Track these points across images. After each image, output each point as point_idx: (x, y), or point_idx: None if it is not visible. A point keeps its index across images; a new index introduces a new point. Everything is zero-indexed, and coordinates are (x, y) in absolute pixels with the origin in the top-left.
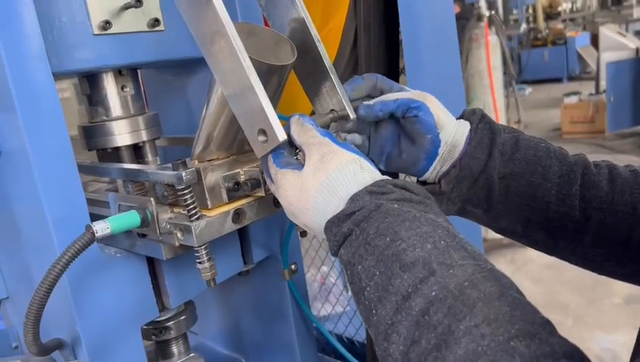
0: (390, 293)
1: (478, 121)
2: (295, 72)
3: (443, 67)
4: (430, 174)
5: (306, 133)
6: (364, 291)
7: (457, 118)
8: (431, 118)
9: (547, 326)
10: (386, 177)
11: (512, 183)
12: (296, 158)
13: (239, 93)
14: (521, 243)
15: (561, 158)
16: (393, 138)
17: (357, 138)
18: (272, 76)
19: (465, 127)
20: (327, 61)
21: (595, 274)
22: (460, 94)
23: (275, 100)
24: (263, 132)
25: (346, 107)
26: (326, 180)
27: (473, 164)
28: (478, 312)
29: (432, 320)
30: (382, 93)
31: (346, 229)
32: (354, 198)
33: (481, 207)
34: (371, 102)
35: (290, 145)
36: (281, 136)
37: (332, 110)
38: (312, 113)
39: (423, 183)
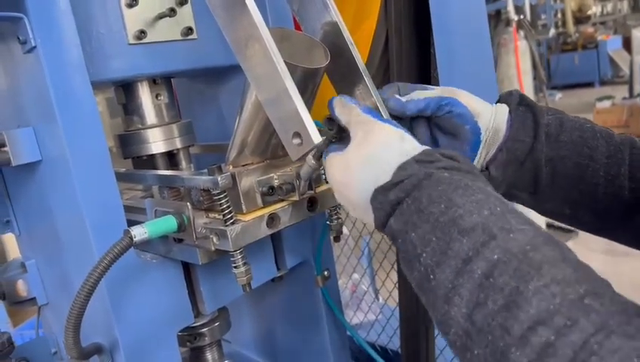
0: (449, 257)
1: (517, 102)
2: (328, 76)
3: (476, 70)
4: (477, 162)
5: (350, 111)
6: (420, 258)
7: (496, 102)
8: (464, 109)
9: (610, 286)
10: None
11: (558, 166)
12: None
13: (274, 96)
14: (566, 224)
15: (607, 138)
16: (429, 141)
17: None
18: (305, 80)
19: (503, 110)
20: (361, 64)
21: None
22: (494, 97)
23: (309, 104)
24: (297, 135)
25: (380, 109)
26: (369, 153)
27: (519, 147)
28: (545, 273)
29: (498, 282)
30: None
31: (394, 197)
32: (402, 167)
33: (527, 190)
34: (402, 98)
35: (334, 127)
36: (316, 138)
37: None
38: None
39: None
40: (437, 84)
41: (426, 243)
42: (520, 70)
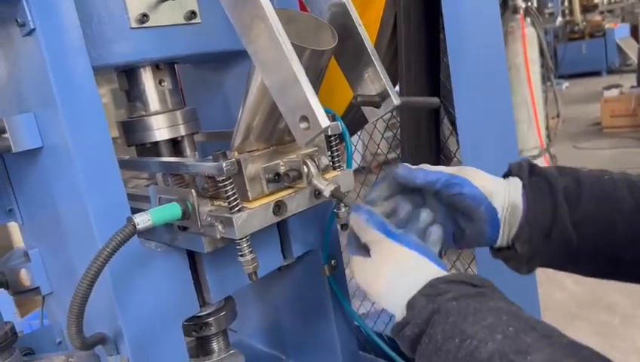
0: None
1: (529, 173)
2: (335, 58)
3: (486, 54)
4: (501, 240)
5: (366, 233)
6: None
7: (504, 175)
8: (476, 190)
9: None
10: (440, 274)
11: (587, 226)
12: None
13: (280, 79)
14: (614, 279)
15: (629, 185)
16: (447, 217)
17: (427, 215)
18: (313, 62)
19: (516, 184)
20: (370, 46)
21: None
22: (505, 82)
23: (316, 87)
24: (305, 119)
25: (389, 92)
26: (384, 282)
27: (541, 218)
28: None
29: None
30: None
31: (410, 333)
32: (410, 305)
33: (562, 260)
34: (413, 167)
35: None
36: (324, 122)
37: (358, 95)
38: (352, 100)
39: (498, 250)
40: (446, 71)
41: None
42: (527, 58)
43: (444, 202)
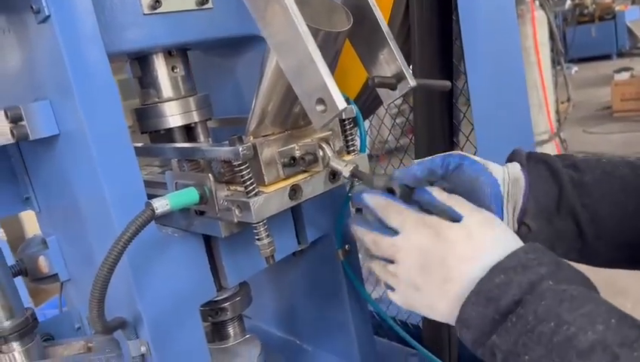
0: None
1: (527, 157)
2: (350, 40)
3: (500, 34)
4: (507, 219)
5: (400, 213)
6: None
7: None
8: (474, 161)
9: None
10: (519, 245)
11: (597, 208)
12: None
13: (296, 61)
14: (632, 268)
15: (629, 164)
16: None
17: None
18: (328, 44)
19: (514, 165)
20: (385, 26)
21: None
22: (519, 64)
23: (331, 70)
24: (321, 101)
25: (405, 73)
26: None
27: (548, 193)
28: None
29: None
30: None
31: (494, 313)
32: (494, 271)
33: (576, 244)
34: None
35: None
36: (341, 104)
37: (375, 77)
38: (368, 82)
39: None
40: (460, 54)
41: None
42: (537, 41)
43: (448, 189)
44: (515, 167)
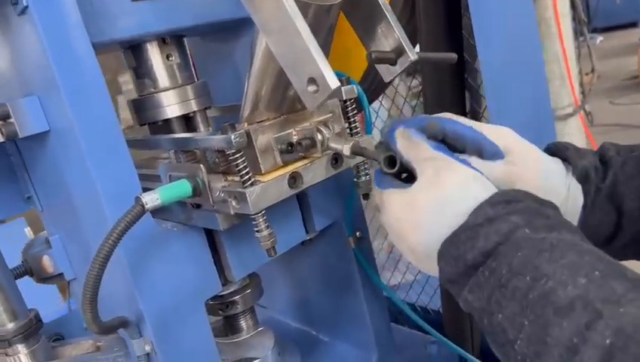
0: (550, 346)
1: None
2: (346, 16)
3: (513, 6)
4: None
5: (416, 147)
6: (514, 344)
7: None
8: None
9: None
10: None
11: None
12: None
13: (284, 40)
14: None
15: None
16: None
17: None
18: (320, 18)
19: (577, 186)
20: None
21: None
22: (535, 35)
23: (325, 48)
24: (313, 81)
25: (404, 46)
26: (441, 195)
27: (607, 223)
28: None
29: None
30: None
31: (470, 258)
32: (475, 213)
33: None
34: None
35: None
36: (334, 83)
37: (372, 52)
38: (366, 57)
39: None
40: (469, 30)
41: (517, 327)
42: (557, 12)
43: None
44: (576, 187)
